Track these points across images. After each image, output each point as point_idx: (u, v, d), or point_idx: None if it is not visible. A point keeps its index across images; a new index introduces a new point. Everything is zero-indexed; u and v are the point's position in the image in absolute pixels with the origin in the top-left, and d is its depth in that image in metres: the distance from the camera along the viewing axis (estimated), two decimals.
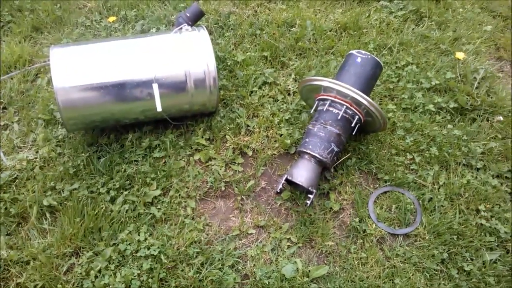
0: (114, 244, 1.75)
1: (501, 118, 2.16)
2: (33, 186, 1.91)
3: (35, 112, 2.21)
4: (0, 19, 2.74)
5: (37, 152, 2.05)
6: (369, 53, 1.95)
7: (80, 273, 1.67)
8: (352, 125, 1.87)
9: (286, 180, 1.83)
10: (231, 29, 2.63)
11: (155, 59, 1.90)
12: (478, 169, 2.00)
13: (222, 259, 1.72)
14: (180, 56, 1.93)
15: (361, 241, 1.79)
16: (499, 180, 1.95)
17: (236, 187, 1.95)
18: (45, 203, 1.84)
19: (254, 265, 1.72)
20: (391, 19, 2.70)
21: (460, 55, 2.43)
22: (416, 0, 2.79)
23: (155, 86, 1.87)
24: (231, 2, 2.80)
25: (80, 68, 1.86)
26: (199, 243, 1.77)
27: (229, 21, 2.66)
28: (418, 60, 2.43)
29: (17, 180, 1.95)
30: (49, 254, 1.72)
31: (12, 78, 2.37)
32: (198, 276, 1.67)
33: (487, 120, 2.18)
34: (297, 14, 2.69)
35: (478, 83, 2.31)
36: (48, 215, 1.84)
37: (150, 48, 1.95)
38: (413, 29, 2.65)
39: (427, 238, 1.79)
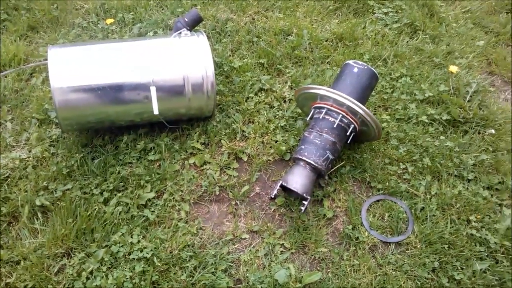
0: (106, 245, 1.74)
1: (492, 131, 2.20)
2: (25, 186, 1.90)
3: (29, 111, 2.20)
4: None
5: (30, 151, 2.04)
6: (365, 64, 1.98)
7: (72, 274, 1.66)
8: (348, 133, 1.89)
9: (281, 186, 1.84)
10: (229, 35, 2.65)
11: (154, 62, 1.91)
12: (469, 180, 2.03)
13: (215, 263, 1.72)
14: (179, 60, 1.93)
15: (354, 248, 1.80)
16: (489, 192, 1.98)
17: (230, 191, 1.95)
18: (37, 202, 1.83)
19: (247, 270, 1.72)
20: (386, 31, 2.74)
21: (453, 68, 2.47)
22: (411, 14, 2.84)
23: (152, 89, 1.87)
24: (229, 9, 2.83)
25: (77, 69, 1.86)
26: (192, 246, 1.76)
27: (227, 27, 2.68)
28: (412, 72, 2.47)
29: (9, 179, 1.93)
30: (40, 254, 1.70)
31: (6, 77, 2.35)
32: (191, 280, 1.67)
33: (479, 133, 2.22)
34: (294, 23, 2.72)
35: (471, 96, 2.35)
36: (40, 215, 1.82)
37: (149, 51, 1.96)
38: (407, 41, 2.69)
39: (418, 246, 1.80)
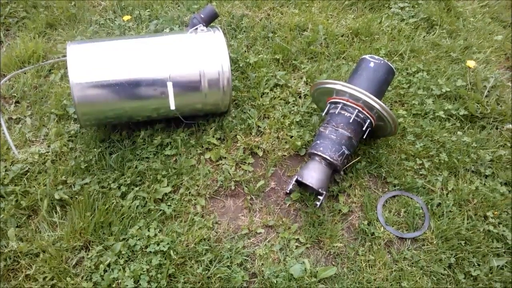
0: (124, 239, 1.76)
1: (510, 126, 2.17)
2: (45, 180, 1.93)
3: (47, 107, 2.23)
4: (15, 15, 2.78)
5: (49, 146, 2.07)
6: (382, 58, 1.97)
7: (89, 267, 1.69)
8: (364, 128, 1.89)
9: (296, 181, 1.85)
10: (244, 31, 2.65)
11: (171, 58, 1.92)
12: (486, 176, 2.01)
13: (230, 257, 1.73)
14: (195, 56, 1.95)
15: (369, 243, 1.80)
16: (507, 188, 1.96)
17: (245, 186, 1.96)
18: (56, 196, 1.86)
19: (263, 264, 1.73)
20: (402, 26, 2.72)
21: (470, 63, 2.44)
22: (428, 8, 2.82)
23: (169, 85, 1.89)
24: (244, 5, 2.83)
25: (96, 65, 1.88)
26: (208, 240, 1.78)
27: (242, 23, 2.68)
28: (429, 67, 2.45)
29: (28, 173, 1.96)
30: (59, 247, 1.73)
31: (25, 73, 2.39)
32: (207, 273, 1.68)
33: (497, 128, 2.20)
34: (310, 19, 2.72)
35: (488, 91, 2.32)
36: (58, 208, 1.85)
37: (166, 47, 1.97)
38: (424, 36, 2.67)
39: (434, 242, 1.79)
